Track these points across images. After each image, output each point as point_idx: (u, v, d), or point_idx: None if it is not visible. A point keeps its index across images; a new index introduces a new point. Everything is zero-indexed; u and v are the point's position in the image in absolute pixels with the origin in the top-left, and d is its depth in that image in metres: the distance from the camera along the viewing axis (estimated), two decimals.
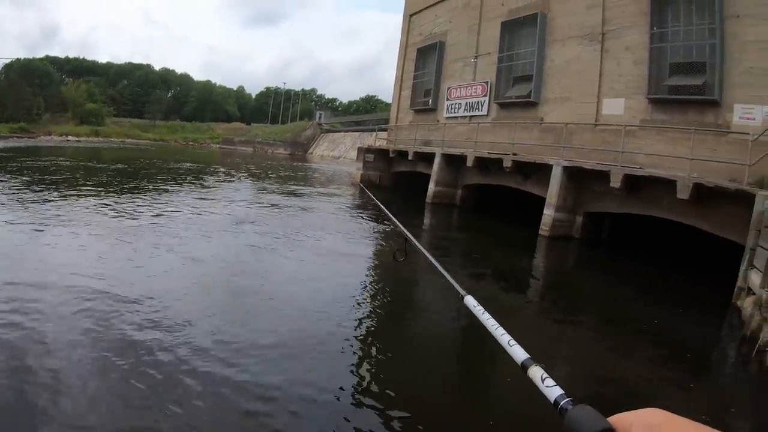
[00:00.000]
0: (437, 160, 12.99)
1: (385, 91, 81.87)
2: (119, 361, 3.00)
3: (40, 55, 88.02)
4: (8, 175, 11.86)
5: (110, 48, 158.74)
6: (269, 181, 17.76)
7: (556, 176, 9.15)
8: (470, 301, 0.82)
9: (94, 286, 4.23)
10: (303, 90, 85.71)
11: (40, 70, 77.31)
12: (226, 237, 7.04)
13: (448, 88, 15.37)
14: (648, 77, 9.07)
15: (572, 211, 9.26)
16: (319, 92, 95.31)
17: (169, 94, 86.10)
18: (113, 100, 79.93)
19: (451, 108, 15.04)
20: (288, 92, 78.62)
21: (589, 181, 8.96)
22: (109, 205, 8.68)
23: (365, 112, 66.28)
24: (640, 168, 8.10)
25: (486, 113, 13.53)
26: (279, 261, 6.06)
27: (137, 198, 9.92)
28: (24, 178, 11.79)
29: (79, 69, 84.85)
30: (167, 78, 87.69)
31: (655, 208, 7.92)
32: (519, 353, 0.59)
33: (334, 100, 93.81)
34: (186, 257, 5.65)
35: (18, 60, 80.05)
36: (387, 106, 37.67)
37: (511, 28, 12.93)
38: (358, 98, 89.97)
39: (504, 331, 0.64)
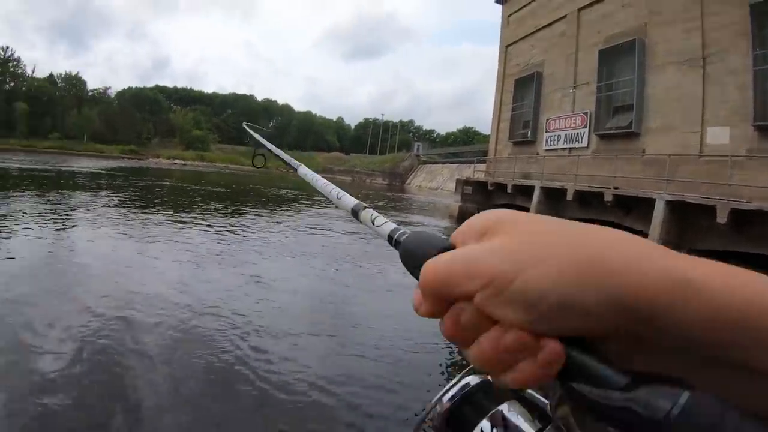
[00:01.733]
0: (536, 193, 13.10)
1: (483, 123, 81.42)
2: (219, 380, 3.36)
3: (151, 84, 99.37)
4: (117, 193, 13.83)
5: (216, 78, 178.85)
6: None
7: (659, 211, 8.97)
8: (304, 170, 0.85)
9: (186, 300, 4.85)
10: (401, 121, 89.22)
11: (150, 98, 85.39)
12: (325, 264, 7.38)
13: (547, 120, 15.50)
14: (753, 102, 8.69)
15: (676, 247, 8.91)
16: (416, 123, 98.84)
17: (271, 124, 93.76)
18: (218, 127, 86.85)
19: (550, 140, 15.14)
20: (386, 123, 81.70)
21: (693, 216, 8.72)
22: (212, 225, 9.77)
23: (463, 144, 66.83)
24: (748, 202, 7.79)
25: (586, 145, 13.50)
26: (379, 290, 6.34)
27: (238, 220, 11.07)
28: (131, 195, 13.69)
29: (187, 98, 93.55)
30: (269, 108, 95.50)
31: (765, 247, 7.54)
32: (348, 201, 0.59)
33: (431, 131, 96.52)
34: (287, 281, 6.11)
35: (130, 88, 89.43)
36: (485, 137, 37.80)
37: (609, 56, 12.89)
38: (455, 130, 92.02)
39: (333, 187, 0.67)
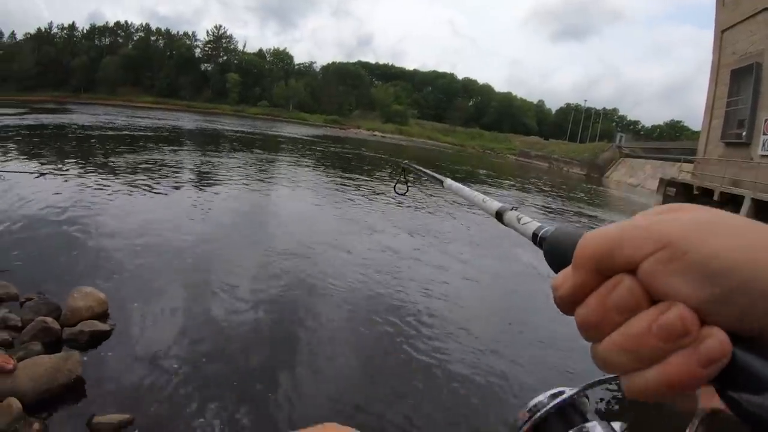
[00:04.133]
0: (746, 205, 12.60)
1: (693, 117, 72.34)
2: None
3: (354, 59, 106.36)
4: (316, 159, 16.80)
5: (418, 56, 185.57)
6: (560, 201, 18.87)
7: None
8: (450, 182, 0.88)
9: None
10: (604, 109, 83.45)
11: (352, 72, 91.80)
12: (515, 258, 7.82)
13: (765, 120, 14.53)
14: None
15: None
16: (620, 113, 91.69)
17: (470, 103, 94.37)
18: (417, 103, 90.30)
19: None
20: (588, 110, 77.02)
21: None
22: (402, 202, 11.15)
23: (669, 139, 61.37)
24: None
25: None
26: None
27: (435, 200, 12.38)
28: (329, 163, 16.65)
29: (388, 74, 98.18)
30: (469, 87, 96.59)
31: None
32: (493, 205, 0.59)
33: (636, 122, 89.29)
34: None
35: (333, 63, 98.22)
36: (693, 134, 33.14)
37: None
38: (662, 123, 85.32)
39: (478, 193, 0.68)
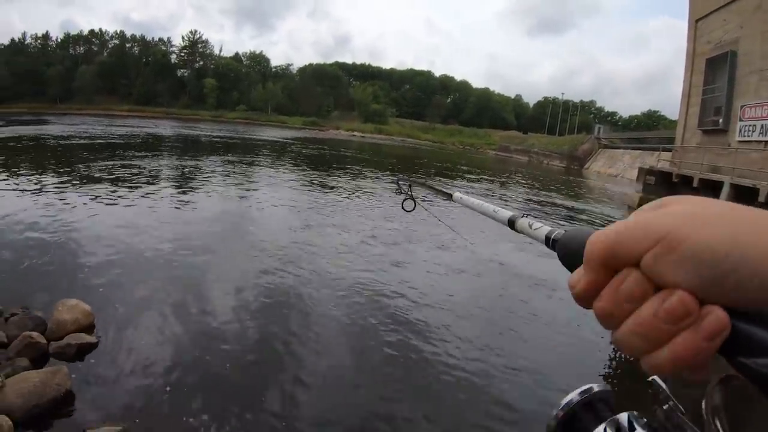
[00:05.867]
0: (725, 191, 12.81)
1: (670, 107, 74.48)
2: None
3: (331, 60, 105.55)
4: (296, 161, 16.83)
5: (396, 55, 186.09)
6: (542, 192, 18.85)
7: None
8: (458, 195, 0.90)
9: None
10: (582, 102, 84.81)
11: (330, 73, 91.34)
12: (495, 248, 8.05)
13: (741, 107, 14.82)
14: None
15: None
16: (598, 104, 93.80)
17: (448, 100, 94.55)
18: (395, 102, 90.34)
19: (744, 130, 14.43)
20: (566, 103, 77.93)
21: None
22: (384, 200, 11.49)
23: (646, 129, 62.34)
24: None
25: None
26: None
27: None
28: (310, 164, 16.71)
29: (365, 73, 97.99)
30: (446, 84, 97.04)
31: None
32: (504, 214, 0.62)
33: (613, 113, 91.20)
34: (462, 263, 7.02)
35: (311, 65, 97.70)
36: (670, 122, 33.76)
37: None
38: (639, 113, 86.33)
39: (489, 204, 0.70)
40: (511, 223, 0.60)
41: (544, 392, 3.68)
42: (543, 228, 0.48)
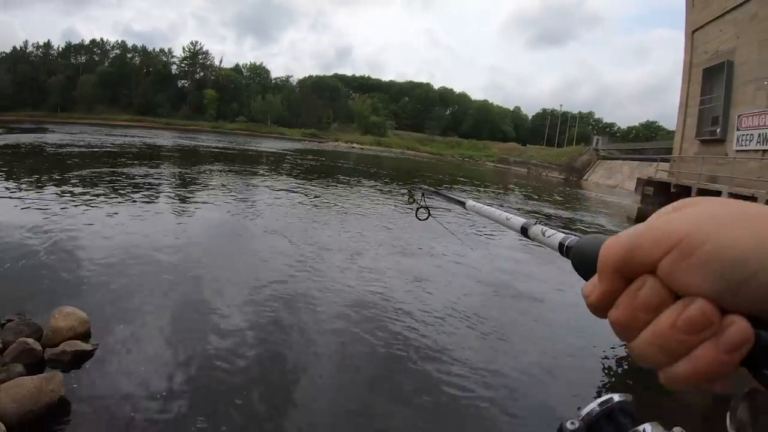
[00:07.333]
0: None
1: (668, 118, 74.13)
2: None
3: (331, 72, 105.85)
4: (295, 172, 16.95)
5: (395, 67, 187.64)
6: (541, 204, 18.87)
7: None
8: (472, 203, 0.89)
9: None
10: (580, 113, 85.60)
11: (330, 85, 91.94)
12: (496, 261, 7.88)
13: (739, 116, 14.86)
14: None
15: None
16: (596, 116, 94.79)
17: (447, 112, 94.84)
18: (395, 114, 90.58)
19: (742, 140, 14.46)
20: (564, 114, 78.27)
21: None
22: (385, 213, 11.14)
23: (644, 140, 62.26)
24: None
25: None
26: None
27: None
28: (309, 175, 16.86)
29: (365, 85, 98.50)
30: (446, 96, 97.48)
31: None
32: (517, 221, 0.61)
33: (612, 125, 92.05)
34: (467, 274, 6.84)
35: (311, 77, 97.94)
36: (668, 133, 33.91)
37: None
38: (637, 124, 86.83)
39: (502, 211, 0.70)
40: (524, 231, 0.60)
41: (558, 402, 3.61)
42: (557, 235, 0.47)
